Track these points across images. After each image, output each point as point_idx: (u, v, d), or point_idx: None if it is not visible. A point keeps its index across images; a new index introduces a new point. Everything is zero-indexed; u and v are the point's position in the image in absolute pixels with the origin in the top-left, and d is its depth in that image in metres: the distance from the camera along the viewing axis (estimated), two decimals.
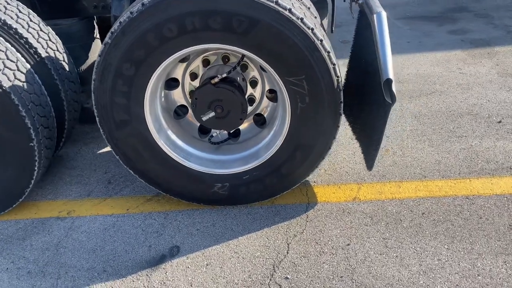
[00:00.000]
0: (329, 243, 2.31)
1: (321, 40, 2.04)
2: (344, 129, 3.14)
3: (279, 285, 2.10)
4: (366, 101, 2.46)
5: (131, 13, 1.99)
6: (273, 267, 2.20)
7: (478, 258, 2.15)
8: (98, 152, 3.32)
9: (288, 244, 2.33)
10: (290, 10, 1.97)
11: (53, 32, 2.75)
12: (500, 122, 3.23)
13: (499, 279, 2.03)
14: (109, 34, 2.06)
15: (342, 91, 2.20)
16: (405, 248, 2.24)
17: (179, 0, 1.93)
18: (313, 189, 2.71)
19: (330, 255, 2.24)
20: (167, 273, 2.22)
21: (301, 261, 2.22)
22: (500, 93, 3.64)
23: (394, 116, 3.43)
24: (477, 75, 3.96)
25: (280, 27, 1.98)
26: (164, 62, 2.12)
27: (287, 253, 2.27)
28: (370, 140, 2.42)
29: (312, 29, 2.02)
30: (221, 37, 2.02)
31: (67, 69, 2.78)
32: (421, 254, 2.20)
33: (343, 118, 2.88)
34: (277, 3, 1.95)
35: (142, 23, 1.99)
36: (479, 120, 3.27)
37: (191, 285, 2.14)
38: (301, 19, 1.99)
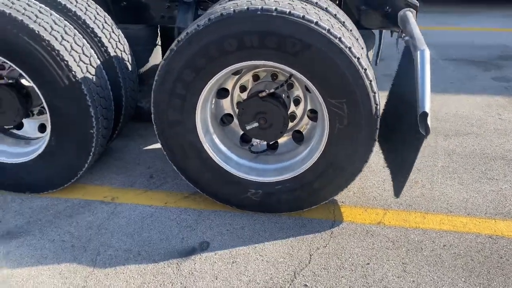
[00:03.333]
0: (350, 259, 2.43)
1: (365, 69, 2.22)
2: (378, 157, 3.27)
3: None
4: (401, 131, 2.60)
5: (198, 26, 2.24)
6: (294, 273, 2.34)
7: None
8: (144, 148, 3.59)
9: (310, 255, 2.46)
10: (340, 39, 2.16)
11: (122, 34, 3.06)
12: None
13: None
14: (175, 42, 2.31)
15: (379, 118, 2.35)
16: (423, 275, 2.33)
17: (241, 19, 2.17)
18: (340, 208, 2.84)
19: (349, 270, 2.36)
20: (195, 264, 2.40)
21: (321, 272, 2.35)
22: None
23: (427, 151, 3.53)
24: None
25: (329, 53, 2.18)
26: (220, 73, 2.35)
27: (309, 263, 2.41)
28: (400, 168, 2.54)
29: (358, 58, 2.20)
30: (274, 56, 2.23)
31: (130, 69, 3.07)
32: (437, 282, 2.28)
33: (376, 145, 3.02)
34: (329, 31, 2.15)
35: (207, 36, 2.23)
36: None
37: (216, 278, 2.31)
38: (349, 48, 2.18)
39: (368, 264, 2.40)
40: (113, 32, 2.96)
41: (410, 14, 2.97)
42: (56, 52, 2.44)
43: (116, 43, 2.95)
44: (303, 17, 2.14)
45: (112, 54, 2.89)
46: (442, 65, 5.53)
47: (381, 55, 3.99)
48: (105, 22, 2.94)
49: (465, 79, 5.07)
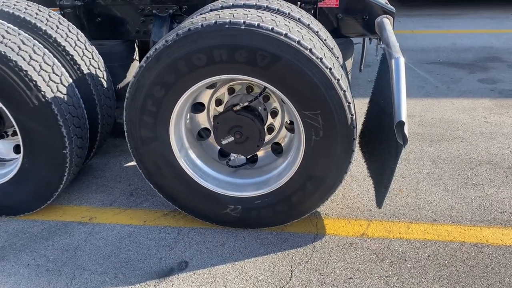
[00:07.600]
0: (332, 275, 2.37)
1: (338, 80, 2.17)
2: (362, 166, 3.22)
3: None
4: (381, 140, 2.55)
5: (166, 41, 2.19)
6: None
7: None
8: (125, 165, 3.52)
9: (291, 271, 2.40)
10: (310, 50, 2.12)
11: (96, 51, 3.01)
12: None
13: None
14: (144, 58, 2.26)
15: (355, 129, 2.30)
16: None
17: (209, 34, 2.12)
18: (323, 221, 2.78)
19: (331, 286, 2.29)
20: (173, 286, 2.33)
21: None
22: None
23: (412, 158, 3.48)
24: (502, 125, 3.97)
25: (300, 65, 2.13)
26: (191, 88, 2.30)
27: (290, 280, 2.34)
28: (381, 178, 2.49)
29: (330, 69, 2.15)
30: (245, 69, 2.18)
31: (105, 86, 3.01)
32: None
33: (359, 154, 2.96)
34: (299, 43, 2.11)
35: (175, 51, 2.18)
36: (498, 170, 3.27)
37: None
38: (321, 59, 2.13)
39: (350, 278, 2.34)
40: (86, 49, 2.91)
41: (387, 21, 2.94)
42: (24, 72, 2.39)
43: (89, 60, 2.90)
44: (272, 30, 2.09)
45: (86, 71, 2.84)
46: (427, 68, 5.51)
47: (365, 61, 3.96)
48: (78, 40, 2.89)
49: (450, 83, 5.04)
